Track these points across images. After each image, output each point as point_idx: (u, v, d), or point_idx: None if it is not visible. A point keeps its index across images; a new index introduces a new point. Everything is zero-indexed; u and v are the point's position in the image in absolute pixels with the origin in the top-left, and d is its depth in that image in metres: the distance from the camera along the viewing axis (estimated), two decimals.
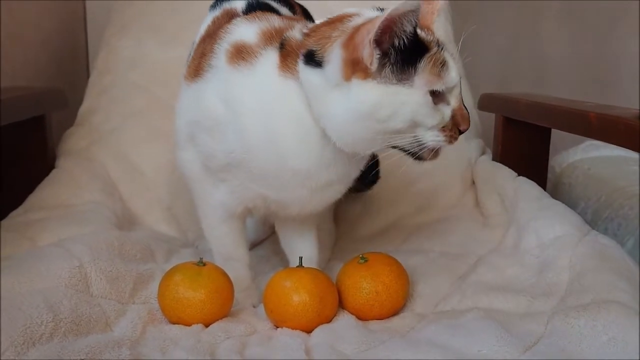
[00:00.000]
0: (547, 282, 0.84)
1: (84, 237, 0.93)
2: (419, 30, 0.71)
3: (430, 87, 0.71)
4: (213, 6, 0.98)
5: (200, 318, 0.81)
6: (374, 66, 0.70)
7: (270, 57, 0.78)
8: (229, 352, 0.73)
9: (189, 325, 0.81)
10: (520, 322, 0.75)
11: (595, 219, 1.23)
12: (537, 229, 0.96)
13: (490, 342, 0.70)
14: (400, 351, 0.72)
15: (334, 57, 0.72)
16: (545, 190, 1.11)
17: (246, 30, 0.82)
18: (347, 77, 0.71)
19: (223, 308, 0.83)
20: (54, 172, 1.17)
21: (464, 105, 0.75)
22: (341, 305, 0.85)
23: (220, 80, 0.81)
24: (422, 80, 0.70)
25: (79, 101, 1.38)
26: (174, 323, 0.82)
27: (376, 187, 1.22)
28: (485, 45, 1.90)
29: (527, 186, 1.10)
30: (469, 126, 0.74)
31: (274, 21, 0.83)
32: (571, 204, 1.16)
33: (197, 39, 0.95)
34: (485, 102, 1.33)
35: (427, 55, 0.71)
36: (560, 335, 0.71)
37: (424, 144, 0.73)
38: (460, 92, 0.75)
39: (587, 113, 0.96)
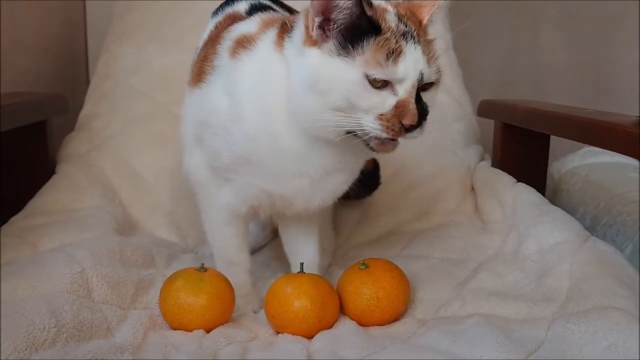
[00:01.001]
0: (548, 288, 0.84)
1: (85, 243, 0.93)
2: (370, 12, 0.71)
3: (367, 70, 0.70)
4: (215, 12, 0.99)
5: (201, 324, 0.81)
6: (315, 33, 0.72)
7: (269, 37, 0.80)
8: (230, 358, 0.73)
9: (190, 330, 0.81)
10: (521, 328, 0.76)
11: (594, 225, 1.24)
12: (537, 235, 0.96)
13: (492, 348, 0.70)
14: (401, 357, 0.72)
15: (299, 23, 0.75)
16: (544, 196, 1.12)
17: (247, 25, 0.84)
18: (304, 43, 0.73)
19: (224, 314, 0.83)
20: (54, 177, 1.17)
21: (419, 104, 0.72)
22: (342, 311, 0.85)
23: (223, 76, 0.83)
24: (362, 60, 0.70)
25: (80, 106, 1.38)
26: (175, 329, 0.82)
27: (376, 193, 1.23)
28: (484, 52, 1.91)
29: (527, 192, 1.10)
30: (414, 123, 0.70)
31: (275, 14, 0.85)
32: (570, 210, 1.17)
33: (200, 44, 0.95)
34: (485, 109, 1.34)
35: (376, 38, 0.70)
36: (561, 341, 0.71)
37: (364, 129, 0.72)
38: (416, 90, 0.71)
39: (586, 120, 0.97)
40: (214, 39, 0.89)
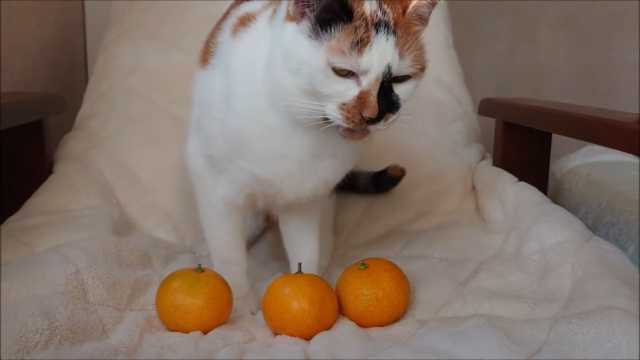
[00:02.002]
0: (549, 288, 0.83)
1: (80, 243, 0.92)
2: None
3: (330, 57, 0.68)
4: None
5: (198, 325, 0.80)
6: (291, 8, 0.71)
7: (267, 14, 0.79)
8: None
9: (187, 332, 0.80)
10: (523, 329, 0.75)
11: (596, 224, 1.23)
12: (539, 235, 0.95)
13: (493, 349, 0.69)
14: (401, 358, 0.71)
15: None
16: (546, 195, 1.10)
17: (253, 4, 0.84)
18: (285, 18, 0.72)
19: (222, 315, 0.82)
20: (51, 178, 1.17)
21: (385, 97, 0.70)
22: (341, 311, 0.84)
23: (224, 55, 0.82)
24: (328, 47, 0.68)
25: (78, 107, 1.38)
26: (171, 330, 0.81)
27: (378, 193, 1.23)
28: (483, 53, 1.91)
29: (528, 191, 1.09)
30: (373, 116, 0.69)
31: None
32: (572, 209, 1.16)
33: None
34: (486, 107, 1.33)
35: (345, 26, 0.68)
36: (563, 342, 0.70)
37: (327, 116, 0.71)
38: (387, 82, 0.69)
39: (588, 118, 0.96)
40: (223, 17, 0.89)
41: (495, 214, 1.12)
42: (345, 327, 0.81)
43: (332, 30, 0.68)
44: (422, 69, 0.73)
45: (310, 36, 0.69)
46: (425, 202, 1.23)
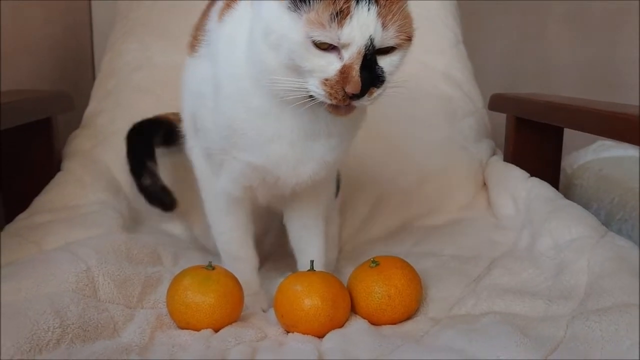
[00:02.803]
0: (565, 285, 0.82)
1: (90, 241, 0.92)
2: None
3: (309, 30, 0.65)
4: None
5: (209, 323, 0.79)
6: None
7: None
8: (239, 358, 0.71)
9: (198, 330, 0.79)
10: (539, 327, 0.73)
11: (609, 220, 1.22)
12: (552, 231, 0.94)
13: (510, 347, 0.68)
14: (415, 357, 0.70)
15: None
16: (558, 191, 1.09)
17: None
18: None
19: (233, 313, 0.82)
20: (59, 175, 1.16)
21: (369, 71, 0.67)
22: (353, 309, 0.83)
23: (211, 43, 0.80)
24: (307, 19, 0.65)
25: (85, 104, 1.38)
26: (182, 328, 0.80)
27: (386, 188, 1.22)
28: (491, 48, 1.90)
29: (541, 187, 1.08)
30: (356, 91, 0.66)
31: None
32: (584, 205, 1.14)
33: None
34: (496, 103, 1.32)
35: None
36: (580, 340, 0.69)
37: (309, 92, 0.68)
38: (371, 54, 0.66)
39: (601, 111, 0.94)
40: (211, 2, 0.86)
41: (507, 210, 1.11)
42: (357, 325, 0.80)
43: (312, 1, 0.65)
44: (409, 39, 0.70)
45: (289, 8, 0.66)
46: (436, 198, 1.22)
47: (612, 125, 0.92)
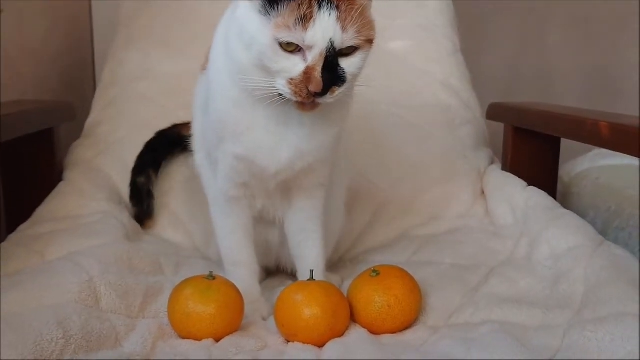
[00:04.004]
0: (562, 294, 0.83)
1: (93, 251, 0.92)
2: None
3: (277, 33, 0.71)
4: None
5: (210, 333, 0.80)
6: None
7: None
8: None
9: (200, 340, 0.79)
10: (536, 336, 0.74)
11: (606, 229, 1.22)
12: (550, 240, 0.95)
13: (508, 356, 0.68)
14: None
15: None
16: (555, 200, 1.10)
17: None
18: None
19: (233, 322, 0.82)
20: (61, 184, 1.17)
21: (330, 71, 0.72)
22: (353, 319, 0.84)
23: (216, 44, 0.85)
24: (275, 23, 0.71)
25: (86, 114, 1.38)
26: (184, 338, 0.81)
27: (386, 196, 1.22)
28: (491, 55, 1.90)
29: (538, 196, 1.09)
30: (318, 90, 0.72)
31: None
32: (580, 214, 1.15)
33: None
34: (494, 112, 1.33)
35: (290, 2, 0.70)
36: (577, 349, 0.70)
37: (278, 90, 0.74)
38: (333, 56, 0.72)
39: (598, 122, 0.95)
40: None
41: (505, 219, 1.12)
42: (357, 335, 0.81)
43: (280, 7, 0.71)
44: (369, 41, 0.75)
45: (260, 12, 0.72)
46: (435, 207, 1.23)
47: (608, 137, 0.93)
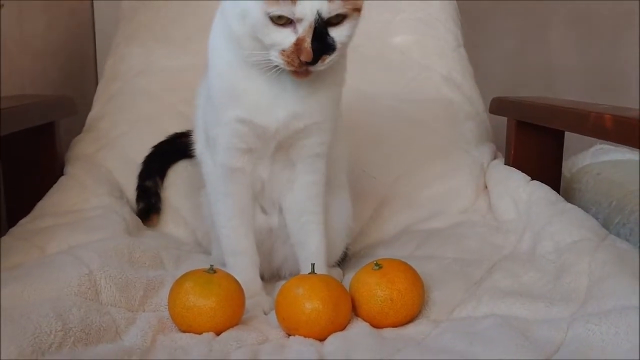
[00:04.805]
0: (565, 288, 0.82)
1: (93, 244, 0.92)
2: None
3: (267, 8, 0.74)
4: None
5: (211, 326, 0.79)
6: None
7: None
8: None
9: (200, 333, 0.79)
10: (539, 329, 0.74)
11: (607, 224, 1.21)
12: (553, 234, 0.94)
13: (510, 350, 0.68)
14: (417, 359, 0.70)
15: None
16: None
17: None
18: None
19: (234, 316, 0.82)
20: (62, 179, 1.17)
21: (320, 41, 0.75)
22: (355, 312, 0.84)
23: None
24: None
25: (88, 108, 1.38)
26: (184, 331, 0.80)
27: (389, 191, 1.21)
28: (493, 52, 1.90)
29: (542, 190, 1.08)
30: (308, 60, 0.76)
31: None
32: (582, 209, 1.15)
33: None
34: (497, 106, 1.32)
35: None
36: (581, 342, 0.69)
37: (273, 62, 0.78)
38: (321, 26, 0.75)
39: (603, 115, 0.95)
40: None
41: (508, 213, 1.11)
42: (359, 328, 0.80)
43: None
44: (356, 10, 0.78)
45: None
46: (438, 201, 1.22)
47: (613, 130, 0.92)
